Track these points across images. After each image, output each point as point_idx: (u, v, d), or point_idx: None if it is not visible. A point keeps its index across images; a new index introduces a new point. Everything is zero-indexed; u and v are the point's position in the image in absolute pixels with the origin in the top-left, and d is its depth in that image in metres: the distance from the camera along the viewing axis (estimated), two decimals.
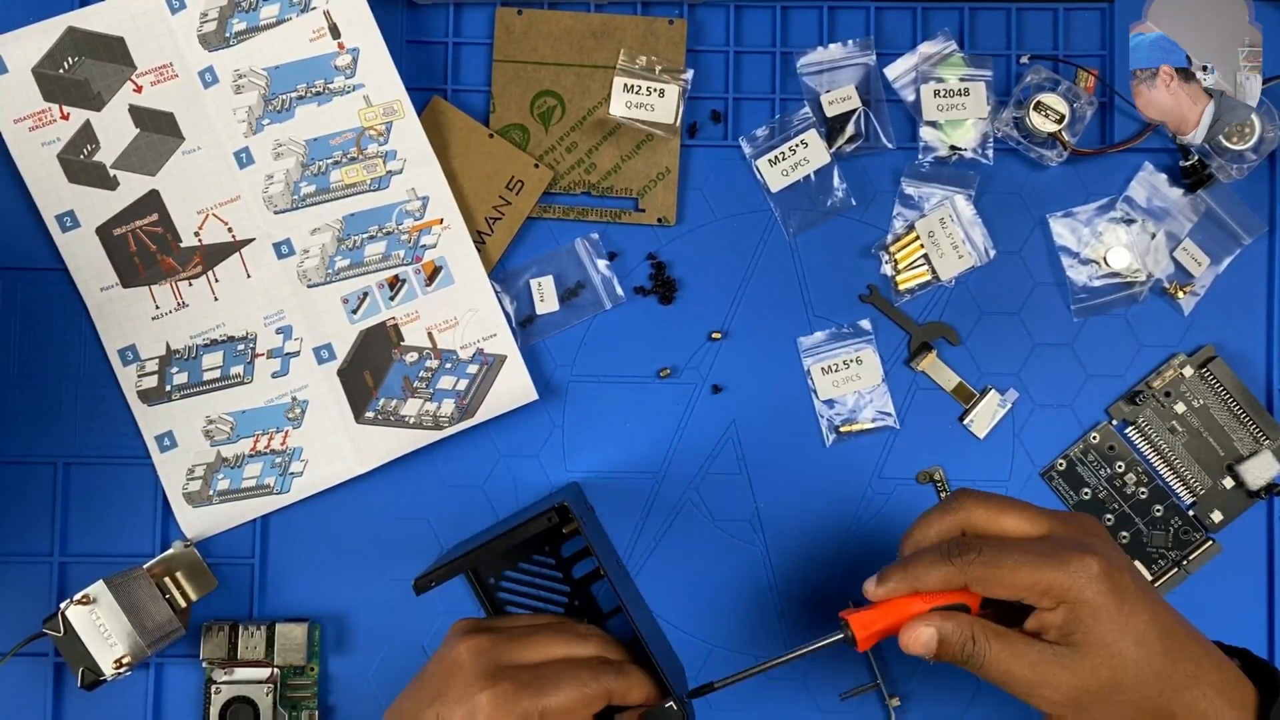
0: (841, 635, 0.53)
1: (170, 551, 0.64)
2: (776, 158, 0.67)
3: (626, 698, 0.54)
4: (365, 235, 0.66)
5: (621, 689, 0.54)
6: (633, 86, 0.66)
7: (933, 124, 0.68)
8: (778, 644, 0.66)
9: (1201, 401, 0.67)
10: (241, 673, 0.64)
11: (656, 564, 0.66)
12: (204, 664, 0.64)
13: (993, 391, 0.67)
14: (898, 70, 0.68)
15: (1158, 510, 0.67)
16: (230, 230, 0.66)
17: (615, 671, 0.54)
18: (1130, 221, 0.68)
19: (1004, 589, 0.49)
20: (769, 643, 0.66)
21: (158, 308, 0.66)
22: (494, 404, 0.66)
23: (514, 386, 0.66)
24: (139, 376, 0.66)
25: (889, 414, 0.67)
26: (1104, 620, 0.48)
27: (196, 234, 0.66)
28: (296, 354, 0.66)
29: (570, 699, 0.52)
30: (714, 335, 0.66)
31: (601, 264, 0.67)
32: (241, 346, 0.66)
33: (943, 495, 0.67)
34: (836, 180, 0.68)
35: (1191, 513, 0.67)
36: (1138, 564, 0.67)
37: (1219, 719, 0.49)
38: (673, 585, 0.66)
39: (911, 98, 0.68)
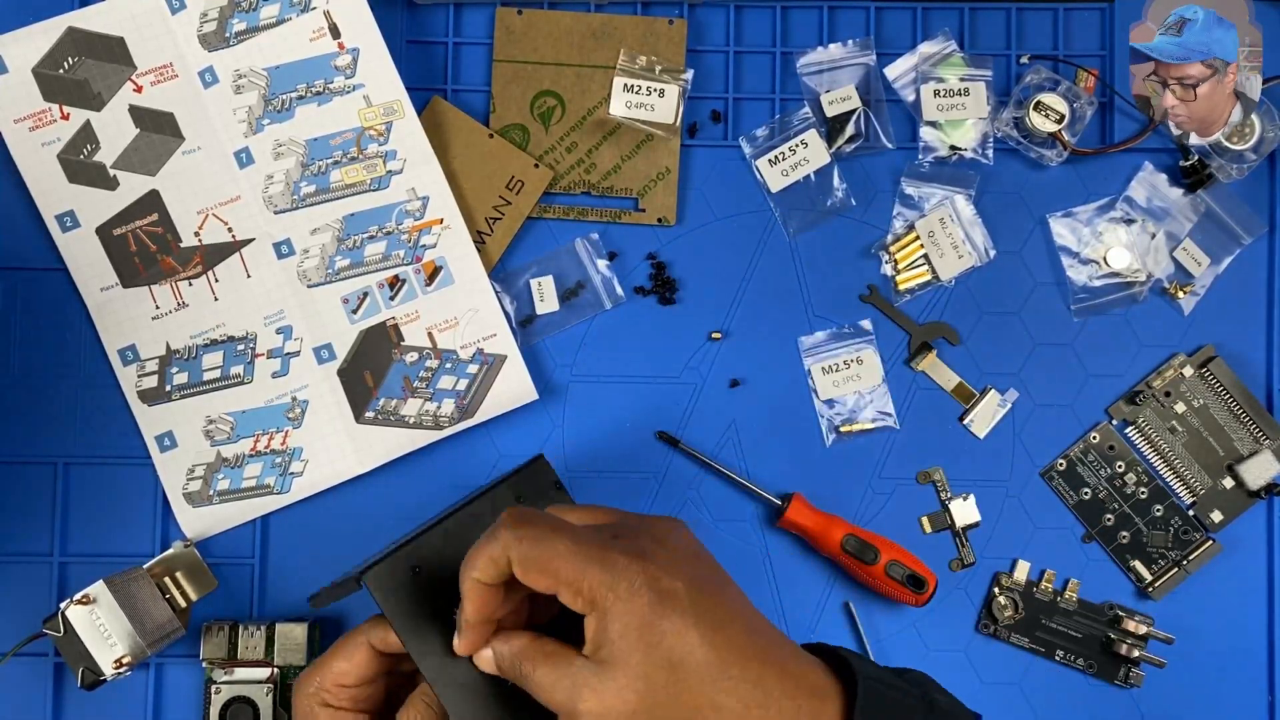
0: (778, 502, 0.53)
1: (170, 551, 0.64)
2: (776, 158, 0.67)
3: (384, 641, 0.50)
4: (365, 235, 0.66)
5: (377, 634, 0.50)
6: (633, 86, 0.66)
7: (933, 124, 0.68)
8: None
9: (1201, 401, 0.67)
10: (241, 673, 0.64)
11: None
12: (204, 664, 0.64)
13: (993, 391, 0.67)
14: (898, 70, 0.68)
15: (1158, 510, 0.67)
16: (230, 230, 0.66)
17: (372, 620, 0.51)
18: (1130, 221, 0.68)
19: (543, 576, 0.43)
20: None
21: (158, 308, 0.66)
22: (494, 404, 0.66)
23: (514, 386, 0.66)
24: (139, 376, 0.66)
25: (889, 414, 0.67)
26: (631, 636, 0.42)
27: (196, 234, 0.66)
28: (296, 354, 0.66)
29: (333, 658, 0.50)
30: (714, 335, 0.66)
31: (601, 264, 0.67)
32: (241, 346, 0.66)
33: (943, 496, 0.67)
34: (836, 180, 0.68)
35: (1191, 513, 0.67)
36: (1137, 564, 0.67)
37: None
38: None
39: (911, 98, 0.68)
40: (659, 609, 0.42)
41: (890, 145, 0.68)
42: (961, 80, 0.67)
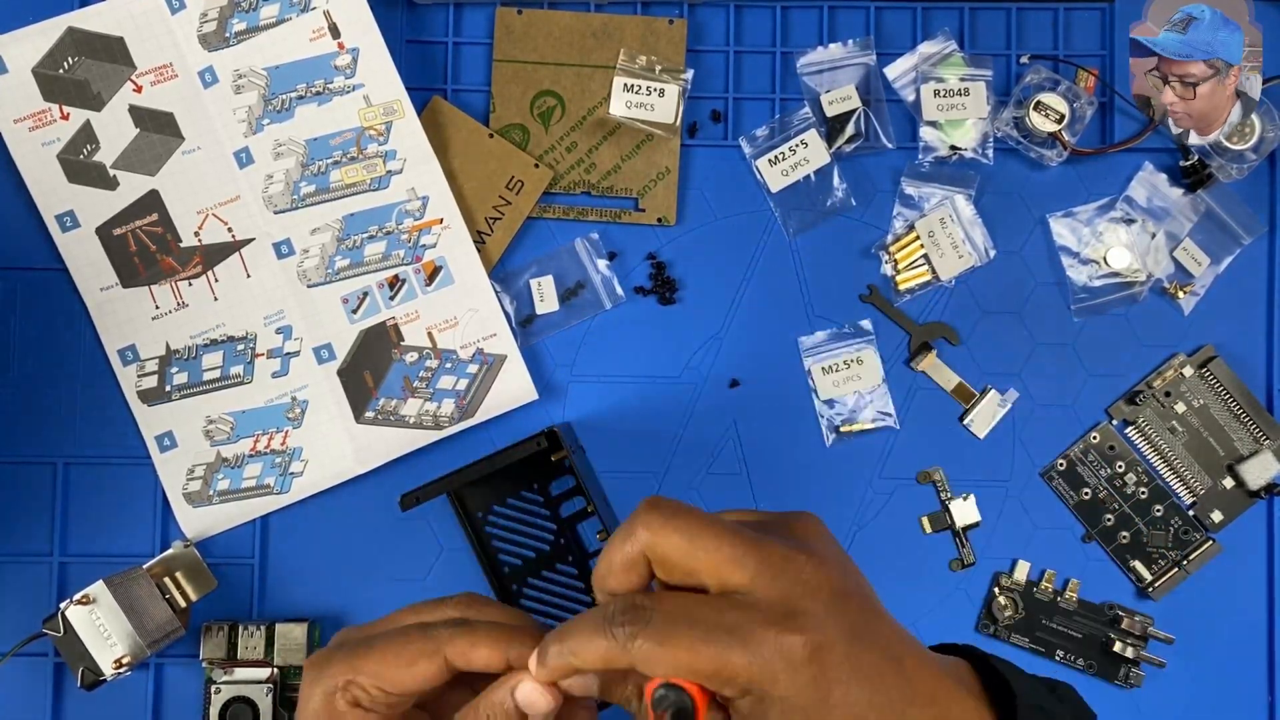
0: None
1: (170, 551, 0.64)
2: (776, 158, 0.67)
3: (468, 658, 0.43)
4: (365, 235, 0.66)
5: (459, 648, 0.42)
6: (633, 86, 0.66)
7: (933, 124, 0.68)
8: None
9: (1201, 401, 0.67)
10: (241, 673, 0.64)
11: None
12: (204, 664, 0.64)
13: (993, 391, 0.67)
14: (898, 70, 0.68)
15: (1158, 510, 0.67)
16: (230, 230, 0.66)
17: (458, 631, 0.43)
18: (1130, 221, 0.68)
19: (678, 674, 0.37)
20: None
21: (158, 308, 0.66)
22: (494, 404, 0.66)
23: (514, 386, 0.66)
24: (139, 376, 0.66)
25: (889, 414, 0.67)
26: (797, 718, 0.37)
27: (196, 234, 0.66)
28: (296, 354, 0.66)
29: (384, 660, 0.43)
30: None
31: (601, 264, 0.67)
32: (241, 346, 0.66)
33: (943, 496, 0.67)
34: (836, 180, 0.68)
35: (1191, 513, 0.67)
36: (1137, 564, 0.67)
37: None
38: None
39: (911, 98, 0.68)
40: (822, 685, 0.37)
41: (890, 145, 0.68)
42: (961, 80, 0.67)
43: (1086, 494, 0.67)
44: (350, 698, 0.43)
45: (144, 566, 0.62)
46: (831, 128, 0.67)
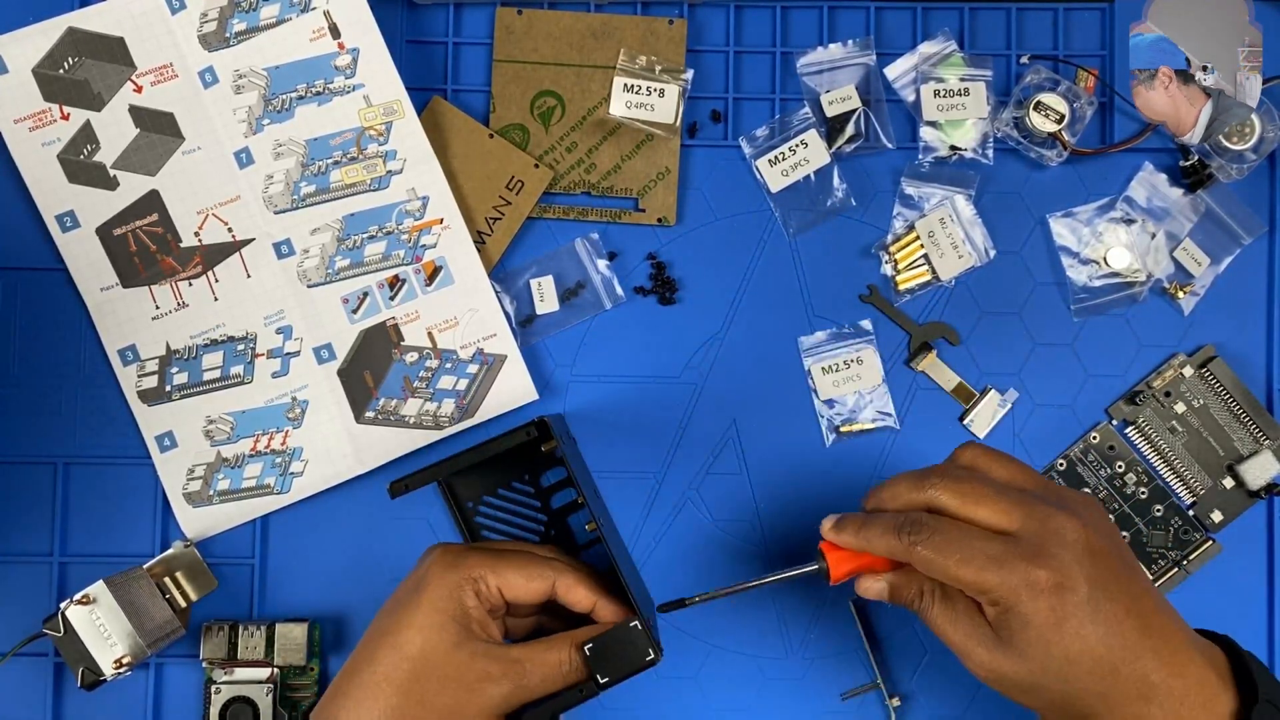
0: (816, 566, 0.55)
1: (170, 551, 0.64)
2: (776, 158, 0.67)
3: (570, 593, 0.56)
4: (365, 235, 0.66)
5: (566, 582, 0.55)
6: (633, 86, 0.66)
7: (933, 124, 0.68)
8: (778, 642, 0.66)
9: (1201, 401, 0.67)
10: (241, 673, 0.64)
11: (657, 563, 0.66)
12: (204, 664, 0.64)
13: (993, 391, 0.67)
14: (898, 70, 0.68)
15: (1158, 510, 0.67)
16: (230, 230, 0.66)
17: (565, 566, 0.56)
18: (1130, 221, 0.68)
19: (944, 579, 0.50)
20: (770, 641, 0.66)
21: (158, 308, 0.66)
22: (494, 404, 0.66)
23: (514, 386, 0.66)
24: (139, 376, 0.66)
25: (889, 414, 0.67)
26: (1032, 633, 0.48)
27: (196, 234, 0.66)
28: (296, 354, 0.66)
29: (514, 570, 0.54)
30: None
31: (601, 264, 0.67)
32: (241, 346, 0.66)
33: None
34: (836, 180, 0.68)
35: (1191, 513, 0.67)
36: None
37: None
38: (673, 584, 0.66)
39: (911, 98, 0.68)
40: (1058, 614, 0.47)
41: (890, 145, 0.68)
42: (961, 80, 0.67)
43: (1086, 494, 0.67)
44: (475, 587, 0.53)
45: (144, 566, 0.62)
46: (831, 128, 0.67)
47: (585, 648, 0.53)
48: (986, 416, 0.67)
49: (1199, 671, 0.48)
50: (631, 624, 0.53)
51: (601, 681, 0.53)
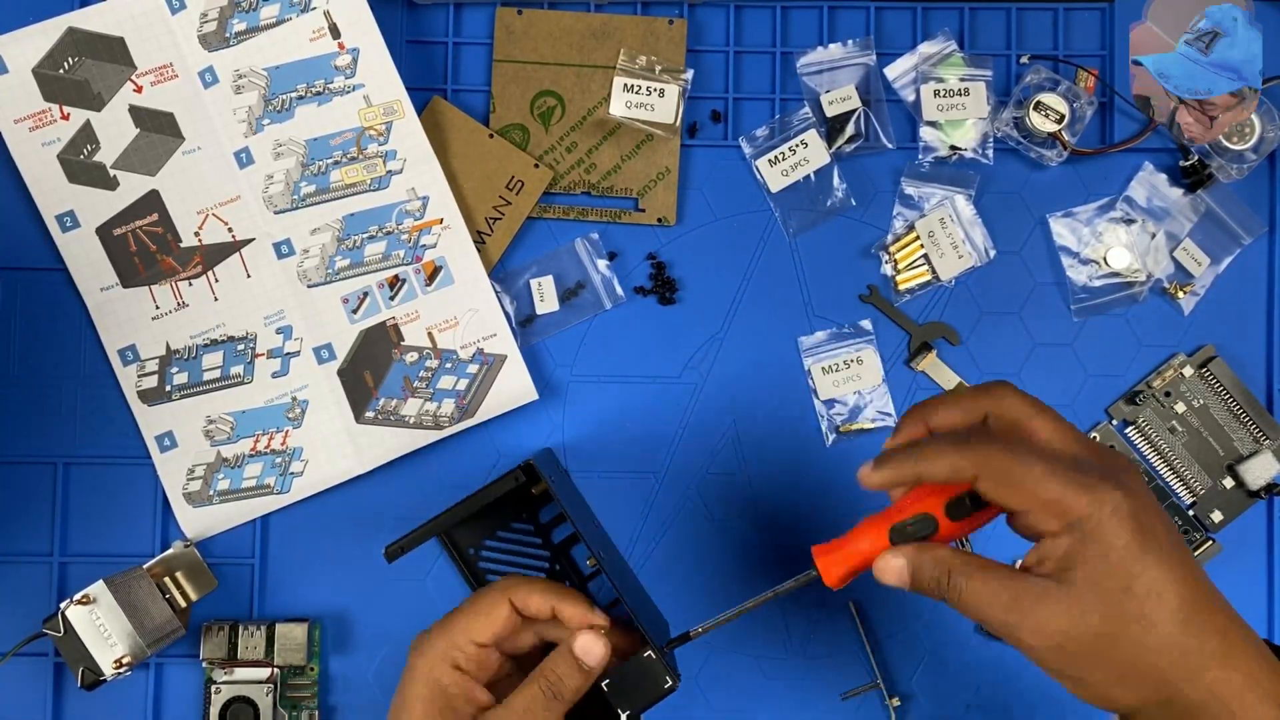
0: (812, 573, 0.51)
1: (170, 551, 0.64)
2: (776, 158, 0.67)
3: (527, 603, 0.52)
4: (365, 235, 0.66)
5: (519, 595, 0.52)
6: (633, 86, 0.66)
7: (933, 124, 0.68)
8: (779, 643, 0.66)
9: (1201, 401, 0.67)
10: (241, 673, 0.64)
11: (657, 564, 0.66)
12: (204, 664, 0.64)
13: None
14: (898, 70, 0.68)
15: None
16: (230, 230, 0.66)
17: (513, 582, 0.53)
18: (1130, 221, 0.68)
19: (1016, 495, 0.43)
20: (770, 642, 0.66)
21: (158, 308, 0.66)
22: (494, 404, 0.66)
23: (514, 386, 0.66)
24: (139, 376, 0.66)
25: (889, 414, 0.67)
26: (1114, 561, 0.42)
27: (196, 234, 0.66)
28: (296, 354, 0.66)
29: (469, 617, 0.51)
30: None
31: (601, 264, 0.67)
32: (241, 346, 0.66)
33: None
34: (836, 180, 0.68)
35: (1191, 513, 0.67)
36: None
37: (1247, 714, 0.42)
38: (673, 585, 0.66)
39: (911, 98, 0.68)
40: (1143, 541, 0.42)
41: (890, 145, 0.68)
42: (961, 80, 0.67)
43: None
44: (451, 661, 0.51)
45: (144, 566, 0.62)
46: (831, 128, 0.67)
47: (604, 683, 0.52)
48: None
49: (1245, 648, 0.44)
50: (646, 655, 0.53)
51: (625, 715, 0.52)
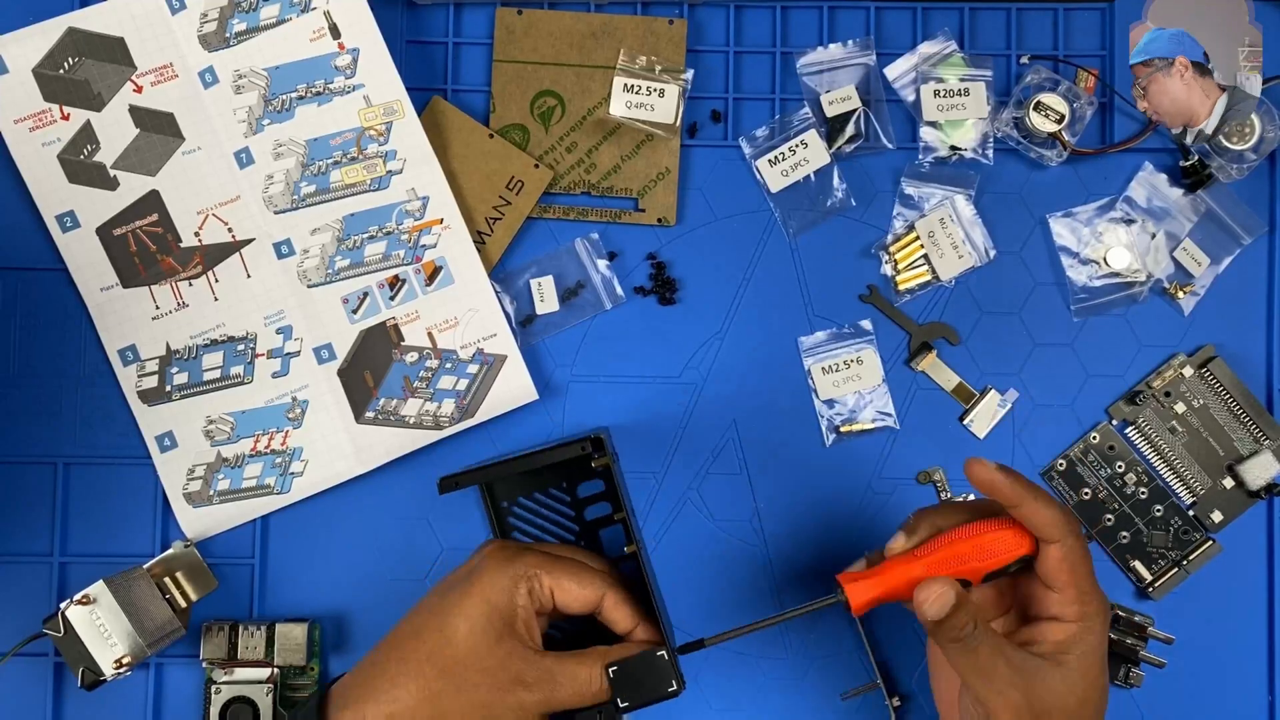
0: (836, 598, 0.53)
1: (170, 551, 0.64)
2: (776, 158, 0.67)
3: (615, 610, 0.56)
4: (365, 235, 0.66)
5: (614, 598, 0.55)
6: (633, 86, 0.66)
7: (933, 124, 0.68)
8: (778, 644, 0.66)
9: (1201, 401, 0.67)
10: (241, 673, 0.64)
11: (656, 564, 0.66)
12: (204, 664, 0.64)
13: (993, 391, 0.67)
14: (898, 70, 0.68)
15: (1158, 510, 0.67)
16: (230, 230, 0.66)
17: (615, 582, 0.56)
18: (1130, 221, 0.68)
19: (1072, 579, 0.51)
20: (769, 643, 0.66)
21: (158, 308, 0.66)
22: (494, 404, 0.66)
23: (514, 386, 0.66)
24: (139, 376, 0.66)
25: (889, 414, 0.67)
26: (1096, 655, 0.51)
27: (196, 234, 0.66)
28: (296, 354, 0.66)
29: (569, 577, 0.55)
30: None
31: (601, 264, 0.67)
32: (241, 346, 0.66)
33: (943, 495, 0.67)
34: (836, 180, 0.68)
35: (1191, 513, 0.67)
36: (1137, 564, 0.67)
37: None
38: (673, 585, 0.66)
39: (911, 98, 0.68)
40: (1104, 643, 0.52)
41: (890, 145, 0.68)
42: (961, 80, 0.67)
43: (1086, 494, 0.67)
44: (529, 587, 0.53)
45: (144, 566, 0.62)
46: (831, 128, 0.67)
47: (610, 669, 0.53)
48: (986, 417, 0.67)
49: None
50: (659, 652, 0.53)
51: (622, 705, 0.53)
